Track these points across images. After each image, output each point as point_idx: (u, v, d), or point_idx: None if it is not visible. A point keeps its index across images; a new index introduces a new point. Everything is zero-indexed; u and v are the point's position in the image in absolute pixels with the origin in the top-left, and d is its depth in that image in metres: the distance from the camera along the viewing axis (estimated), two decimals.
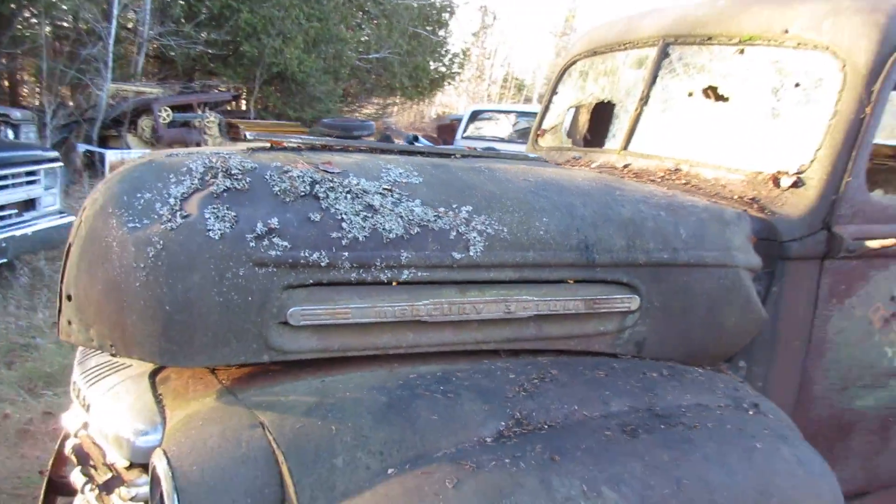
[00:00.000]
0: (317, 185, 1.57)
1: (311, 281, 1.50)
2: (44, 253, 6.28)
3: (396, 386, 1.48)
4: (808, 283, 2.03)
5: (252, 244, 1.45)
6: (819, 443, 1.77)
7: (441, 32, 20.70)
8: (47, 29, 12.25)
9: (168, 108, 11.79)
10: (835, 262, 2.04)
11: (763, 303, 1.97)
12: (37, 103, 12.14)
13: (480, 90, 31.74)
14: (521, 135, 11.37)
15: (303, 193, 1.55)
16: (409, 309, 1.57)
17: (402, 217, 1.58)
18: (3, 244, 5.32)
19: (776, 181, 2.07)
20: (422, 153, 2.03)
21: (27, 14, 12.45)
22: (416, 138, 12.16)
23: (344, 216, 1.53)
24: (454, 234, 1.61)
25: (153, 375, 1.68)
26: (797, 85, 2.14)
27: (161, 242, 1.42)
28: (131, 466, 1.57)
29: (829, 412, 2.16)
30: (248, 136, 1.85)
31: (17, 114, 8.48)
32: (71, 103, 11.95)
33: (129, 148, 11.20)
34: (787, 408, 1.99)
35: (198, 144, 10.91)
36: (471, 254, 1.61)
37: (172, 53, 14.18)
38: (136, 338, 1.46)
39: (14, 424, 3.68)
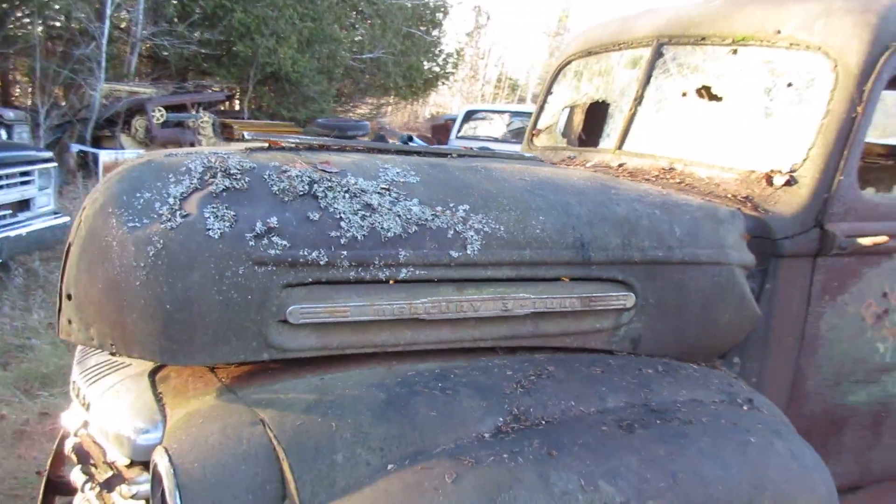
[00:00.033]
0: (315, 185, 1.58)
1: (310, 279, 1.51)
2: (38, 254, 6.27)
3: (395, 383, 1.50)
4: (801, 280, 2.05)
5: (251, 243, 1.46)
6: (812, 438, 1.79)
7: (435, 32, 20.70)
8: (40, 29, 12.21)
9: (162, 109, 11.77)
10: (827, 259, 2.06)
11: (757, 300, 1.99)
12: (30, 103, 12.09)
13: (474, 90, 31.76)
14: (516, 135, 11.40)
15: (301, 193, 1.56)
16: (407, 307, 1.59)
17: (399, 216, 1.59)
18: None
19: (769, 180, 2.09)
20: (418, 153, 2.04)
21: (19, 14, 12.41)
22: (410, 138, 12.18)
23: (342, 215, 1.55)
24: (451, 232, 1.62)
25: (153, 374, 1.69)
26: (790, 85, 2.16)
27: (161, 242, 1.44)
28: (132, 464, 1.58)
29: (823, 407, 2.18)
30: (246, 136, 1.86)
31: (9, 114, 8.46)
32: (64, 103, 11.92)
33: (122, 148, 11.17)
34: (781, 403, 2.02)
35: (192, 145, 10.90)
36: (468, 252, 1.62)
37: (166, 53, 14.15)
38: (136, 336, 1.47)
39: (10, 425, 3.68)
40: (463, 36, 30.07)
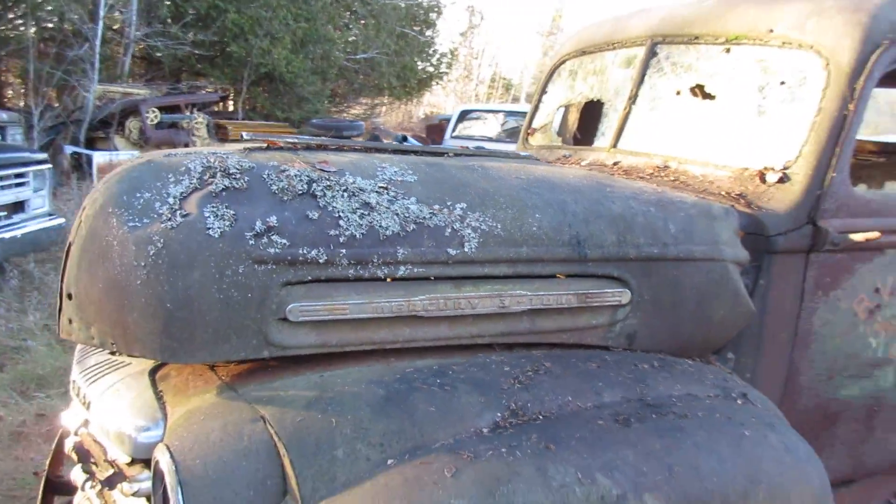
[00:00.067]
0: (314, 184, 1.60)
1: (309, 278, 1.53)
2: (33, 255, 6.26)
3: (394, 379, 1.51)
4: (794, 276, 2.07)
5: (251, 242, 1.48)
6: (806, 432, 1.81)
7: (429, 32, 20.70)
8: (33, 30, 12.17)
9: (156, 110, 11.74)
10: (820, 255, 2.08)
11: (750, 296, 2.01)
12: (23, 105, 12.07)
13: (468, 90, 31.78)
14: (510, 134, 11.42)
15: (300, 192, 1.58)
16: (405, 304, 1.60)
17: (397, 214, 1.61)
18: None
19: (762, 177, 2.11)
20: (415, 152, 2.06)
21: (12, 15, 12.37)
22: (404, 138, 12.18)
23: (341, 214, 1.56)
24: (449, 230, 1.64)
25: (153, 373, 1.70)
26: (782, 83, 2.18)
27: (161, 241, 1.45)
28: (133, 462, 1.59)
29: (816, 402, 2.21)
30: (245, 136, 1.87)
31: (3, 116, 8.45)
32: (57, 105, 11.88)
33: (116, 149, 11.14)
34: (775, 398, 2.04)
35: (186, 146, 10.88)
36: (465, 250, 1.64)
37: (159, 54, 14.12)
38: (137, 335, 1.49)
39: (7, 427, 3.68)
40: (457, 36, 30.10)
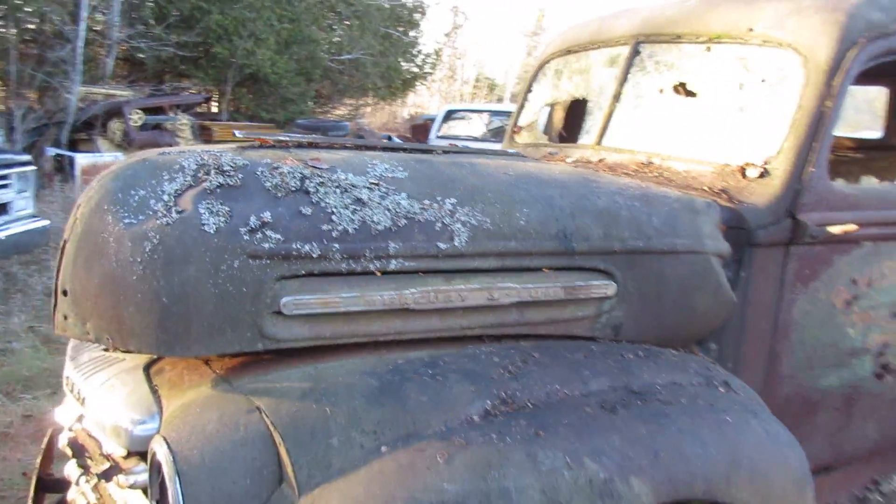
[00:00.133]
0: (307, 181, 1.63)
1: (303, 272, 1.56)
2: (17, 257, 6.23)
3: (386, 371, 1.55)
4: (774, 268, 2.13)
5: (246, 237, 1.51)
6: (787, 420, 1.86)
7: (413, 33, 20.71)
8: (13, 31, 12.06)
9: (139, 111, 11.68)
10: (799, 247, 2.14)
11: (732, 287, 2.06)
12: (3, 107, 11.96)
13: (453, 90, 31.82)
14: (495, 134, 11.47)
15: (293, 188, 1.61)
16: (397, 297, 1.64)
17: (389, 210, 1.65)
18: None
19: (743, 172, 2.17)
20: (404, 149, 2.09)
21: None
22: (389, 139, 12.21)
23: (334, 209, 1.60)
24: (439, 225, 1.68)
25: (147, 368, 1.72)
26: (762, 80, 2.24)
27: (157, 237, 1.48)
28: (129, 455, 1.61)
29: (796, 391, 2.26)
30: (237, 134, 1.90)
31: None
32: (38, 107, 11.79)
33: (100, 151, 11.08)
34: (756, 387, 2.08)
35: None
36: (455, 244, 1.68)
37: (142, 55, 14.03)
38: (133, 330, 1.51)
39: None
40: (441, 36, 30.09)
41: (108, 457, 1.65)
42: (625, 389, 1.64)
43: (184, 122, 11.97)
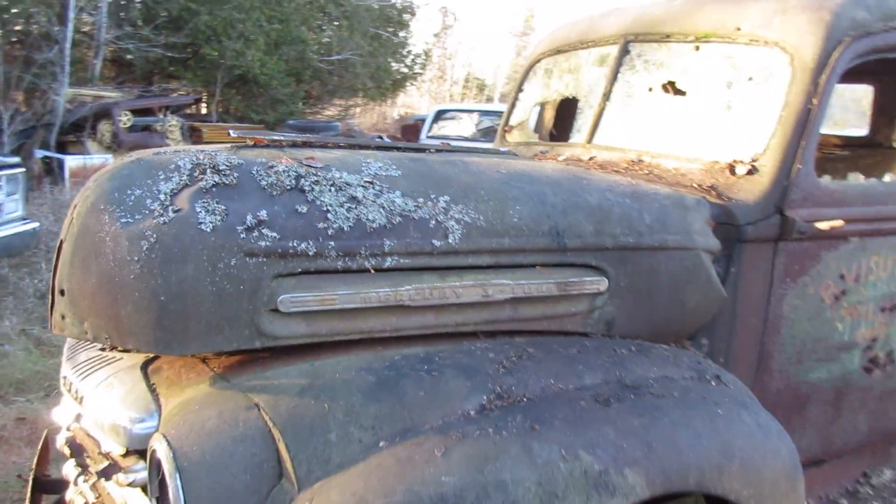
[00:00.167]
0: (302, 179, 1.65)
1: (299, 269, 1.58)
2: (7, 260, 6.20)
3: (383, 367, 1.56)
4: (763, 263, 2.16)
5: (243, 236, 1.52)
6: (778, 414, 1.88)
7: (402, 33, 20.73)
8: (0, 33, 11.99)
9: (128, 113, 11.63)
10: (788, 243, 2.17)
11: (722, 283, 2.09)
12: None
13: (442, 90, 31.86)
14: (485, 133, 11.49)
15: (289, 187, 1.62)
16: (392, 294, 1.66)
17: (383, 208, 1.67)
18: None
19: (732, 169, 2.20)
20: (398, 148, 2.11)
21: None
22: (380, 139, 12.21)
23: (329, 208, 1.61)
24: (433, 222, 1.70)
25: (145, 367, 1.73)
26: (750, 79, 2.27)
27: (154, 236, 1.49)
28: (128, 454, 1.63)
29: (786, 384, 2.29)
30: (232, 134, 1.91)
31: None
32: (25, 109, 11.72)
33: (89, 153, 11.03)
34: (747, 381, 2.12)
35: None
36: (450, 241, 1.70)
37: (130, 57, 13.98)
38: (131, 328, 1.52)
39: None
40: (430, 37, 30.16)
41: (106, 455, 1.65)
42: (618, 383, 1.67)
43: (173, 123, 11.93)
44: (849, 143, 4.07)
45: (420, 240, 1.67)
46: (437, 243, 1.68)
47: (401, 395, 1.48)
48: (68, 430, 1.84)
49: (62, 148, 11.40)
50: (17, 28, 12.67)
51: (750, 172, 2.15)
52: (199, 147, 1.76)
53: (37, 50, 11.54)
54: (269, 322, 1.57)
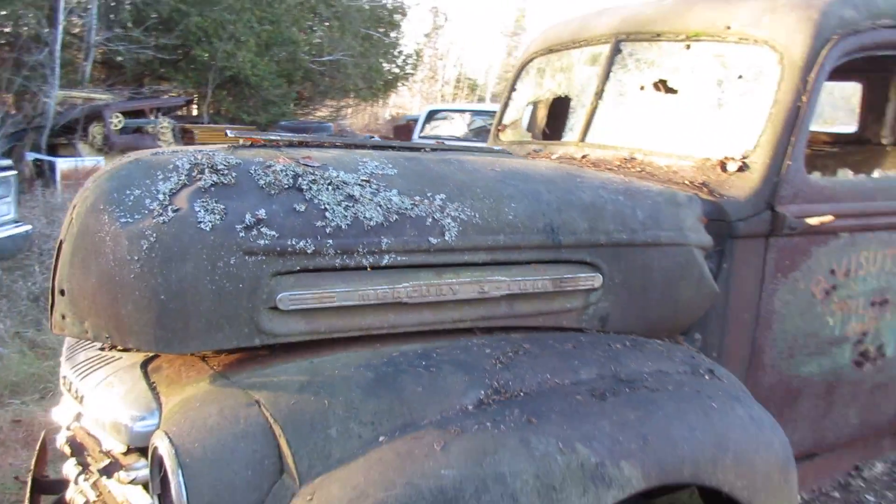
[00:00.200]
0: (299, 178, 1.66)
1: (298, 267, 1.59)
2: (0, 263, 6.18)
3: (381, 363, 1.58)
4: (755, 259, 2.19)
5: (242, 234, 1.54)
6: (770, 408, 1.91)
7: (393, 34, 20.74)
8: None
9: (119, 115, 11.61)
10: (779, 239, 2.20)
11: (715, 279, 2.12)
12: None
13: (434, 91, 31.88)
14: (477, 133, 11.49)
15: (287, 186, 1.64)
16: (390, 291, 1.67)
17: (381, 206, 1.68)
18: None
19: (723, 166, 2.22)
20: (393, 147, 2.13)
21: None
22: (372, 139, 12.19)
23: (327, 206, 1.63)
24: (430, 220, 1.72)
25: (144, 365, 1.75)
26: (740, 77, 2.30)
27: (154, 235, 1.50)
28: (129, 452, 1.64)
29: (778, 379, 2.32)
30: (230, 134, 1.93)
31: None
32: (14, 111, 11.67)
33: (80, 156, 11.00)
34: (740, 376, 2.14)
35: None
36: (446, 238, 1.72)
37: (120, 59, 13.95)
38: (131, 327, 1.54)
39: None
40: (421, 37, 30.18)
41: (107, 454, 1.67)
42: (613, 378, 1.69)
43: (165, 125, 11.91)
44: (838, 140, 4.11)
45: (417, 237, 1.69)
46: (433, 241, 1.70)
47: (400, 391, 1.50)
48: (68, 429, 1.85)
49: (53, 150, 11.37)
50: (7, 30, 12.63)
51: (741, 169, 2.18)
52: (197, 147, 1.77)
53: (26, 52, 11.50)
54: (269, 320, 1.59)
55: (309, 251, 1.58)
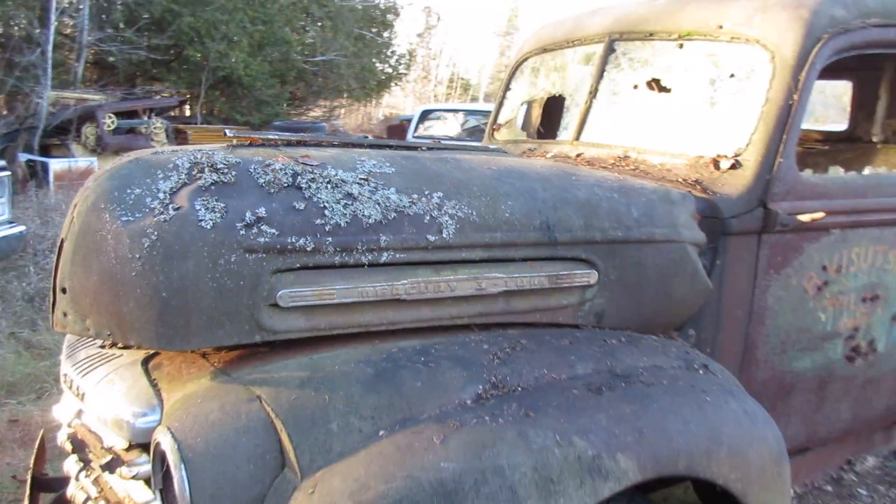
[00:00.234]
0: (299, 177, 1.68)
1: (297, 265, 1.61)
2: None
3: (381, 359, 1.60)
4: (747, 255, 2.21)
5: (242, 232, 1.55)
6: (763, 402, 1.93)
7: (386, 34, 20.75)
8: None
9: (112, 115, 11.58)
10: (771, 236, 2.23)
11: (708, 275, 2.14)
12: None
13: (427, 91, 31.89)
14: (470, 133, 11.52)
15: (286, 184, 1.66)
16: (388, 288, 1.70)
17: (379, 204, 1.70)
18: None
19: (716, 164, 2.25)
20: (390, 146, 2.15)
21: None
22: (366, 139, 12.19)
23: (326, 204, 1.65)
24: (428, 218, 1.74)
25: (145, 362, 1.76)
26: (732, 75, 2.33)
27: (155, 233, 1.52)
28: (130, 448, 1.65)
29: (771, 374, 2.35)
30: (228, 133, 1.94)
31: None
32: (6, 112, 11.64)
33: (73, 156, 10.97)
34: (734, 371, 2.17)
35: None
36: (444, 236, 1.74)
37: (113, 59, 13.91)
38: (133, 324, 1.55)
39: None
40: (414, 37, 30.19)
41: (109, 450, 1.68)
42: (609, 372, 1.71)
43: (158, 125, 11.89)
44: (829, 138, 4.15)
45: (415, 235, 1.71)
46: (431, 238, 1.72)
47: (399, 386, 1.52)
48: (69, 426, 1.87)
49: (46, 151, 11.33)
50: None
51: (733, 167, 2.21)
52: (197, 146, 1.79)
53: (18, 53, 11.47)
54: (269, 317, 1.61)
55: (308, 249, 1.60)
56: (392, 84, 22.43)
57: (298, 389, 1.50)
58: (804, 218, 2.22)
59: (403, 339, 1.71)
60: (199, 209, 1.55)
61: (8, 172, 6.14)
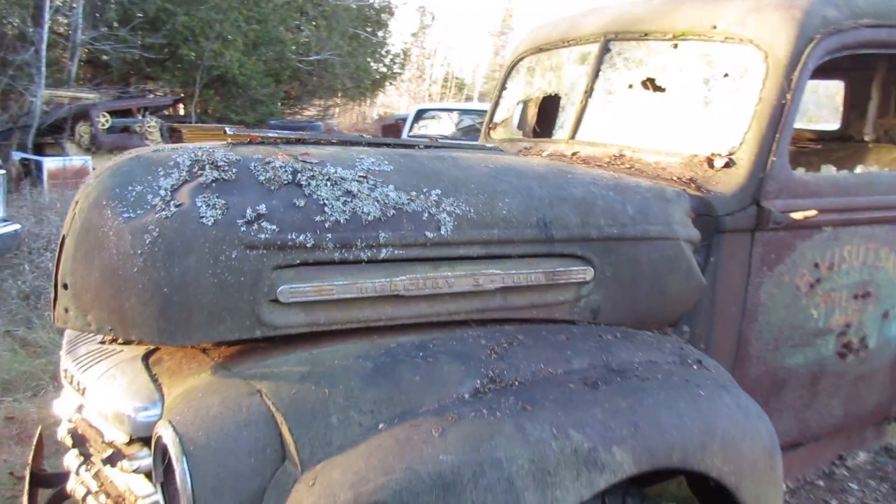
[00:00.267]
0: (298, 174, 1.70)
1: (298, 261, 1.63)
2: None
3: (380, 354, 1.62)
4: (741, 253, 2.24)
5: (243, 229, 1.57)
6: (756, 398, 1.95)
7: (381, 33, 20.76)
8: None
9: (106, 114, 11.57)
10: (764, 233, 2.26)
11: (702, 272, 2.17)
12: None
13: (421, 90, 31.91)
14: (465, 132, 11.54)
15: (286, 182, 1.68)
16: (387, 284, 1.72)
17: (378, 201, 1.72)
18: None
19: (710, 162, 2.28)
20: (388, 144, 2.17)
21: None
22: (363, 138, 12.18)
23: (325, 201, 1.67)
24: (426, 215, 1.76)
25: (146, 358, 1.78)
26: (726, 75, 2.36)
27: (157, 230, 1.54)
28: (131, 442, 1.67)
29: (764, 370, 2.38)
30: (228, 132, 1.96)
31: None
32: (1, 111, 11.61)
33: (67, 155, 10.95)
34: (727, 367, 2.20)
35: None
36: (442, 233, 1.76)
37: (107, 58, 13.89)
38: (135, 320, 1.57)
39: None
40: (409, 36, 30.21)
41: (110, 444, 1.69)
42: (605, 367, 1.74)
43: (152, 124, 11.89)
44: (822, 137, 4.19)
45: (413, 232, 1.73)
46: (429, 235, 1.75)
47: (398, 381, 1.54)
48: (70, 421, 1.88)
49: (40, 150, 11.32)
50: None
51: (727, 165, 2.23)
52: (196, 144, 1.81)
53: (12, 51, 11.45)
54: (269, 312, 1.63)
55: (308, 245, 1.62)
56: (387, 83, 22.44)
57: (299, 384, 1.52)
58: (797, 216, 2.25)
59: (402, 335, 1.73)
60: (201, 206, 1.57)
61: (2, 171, 6.16)
